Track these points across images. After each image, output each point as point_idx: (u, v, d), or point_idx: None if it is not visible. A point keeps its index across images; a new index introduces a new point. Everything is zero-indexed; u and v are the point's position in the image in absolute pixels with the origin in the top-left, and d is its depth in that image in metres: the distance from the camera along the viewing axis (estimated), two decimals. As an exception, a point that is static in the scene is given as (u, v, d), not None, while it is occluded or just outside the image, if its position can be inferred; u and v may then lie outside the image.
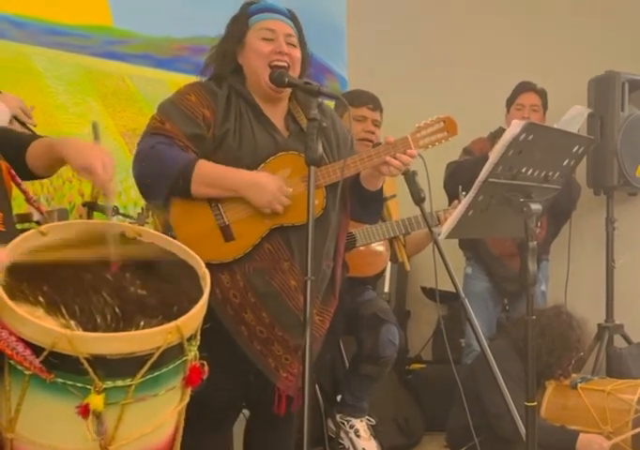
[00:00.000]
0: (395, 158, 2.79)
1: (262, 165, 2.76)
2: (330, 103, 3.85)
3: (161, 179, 2.65)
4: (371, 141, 3.84)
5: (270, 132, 2.83)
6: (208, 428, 2.43)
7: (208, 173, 2.68)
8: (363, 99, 3.95)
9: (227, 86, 2.82)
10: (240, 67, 2.87)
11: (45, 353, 1.71)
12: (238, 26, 2.86)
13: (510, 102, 4.77)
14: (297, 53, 2.85)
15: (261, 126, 2.81)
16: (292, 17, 2.90)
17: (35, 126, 3.18)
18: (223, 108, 2.77)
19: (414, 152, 2.84)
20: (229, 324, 2.70)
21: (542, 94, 4.72)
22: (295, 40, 2.86)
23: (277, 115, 2.88)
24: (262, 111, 2.84)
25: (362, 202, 2.89)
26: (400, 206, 3.83)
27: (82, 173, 2.12)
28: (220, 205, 2.73)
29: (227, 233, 2.71)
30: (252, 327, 2.72)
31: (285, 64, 2.79)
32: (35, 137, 2.31)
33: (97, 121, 2.39)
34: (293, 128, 2.88)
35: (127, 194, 4.03)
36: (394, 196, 3.86)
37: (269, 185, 2.69)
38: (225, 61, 2.87)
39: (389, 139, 2.85)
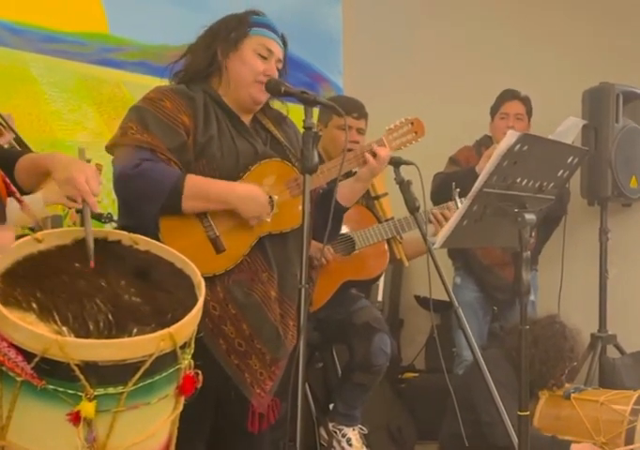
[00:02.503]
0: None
1: (246, 173, 2.73)
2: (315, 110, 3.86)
3: (151, 201, 2.57)
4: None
5: (249, 140, 2.81)
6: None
7: (199, 188, 2.62)
8: (348, 108, 3.92)
9: (202, 91, 2.77)
10: (218, 68, 2.82)
11: (36, 360, 1.70)
12: (238, 30, 2.81)
13: (494, 111, 4.78)
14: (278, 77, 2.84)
15: (239, 133, 2.79)
16: (284, 42, 2.88)
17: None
18: (203, 114, 2.72)
19: (388, 151, 2.96)
20: (207, 338, 2.62)
21: (527, 101, 4.73)
22: (280, 67, 2.85)
23: (247, 122, 2.88)
24: (239, 118, 2.83)
25: (334, 218, 2.79)
26: (395, 206, 3.82)
27: (64, 187, 2.11)
28: (209, 217, 2.68)
29: (218, 245, 2.67)
30: (232, 340, 2.68)
31: None
32: (23, 153, 2.32)
33: (83, 148, 2.39)
34: (263, 136, 2.89)
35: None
36: (386, 194, 3.86)
37: (260, 196, 2.68)
38: (212, 59, 2.81)
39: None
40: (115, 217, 3.50)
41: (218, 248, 2.67)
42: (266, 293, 2.73)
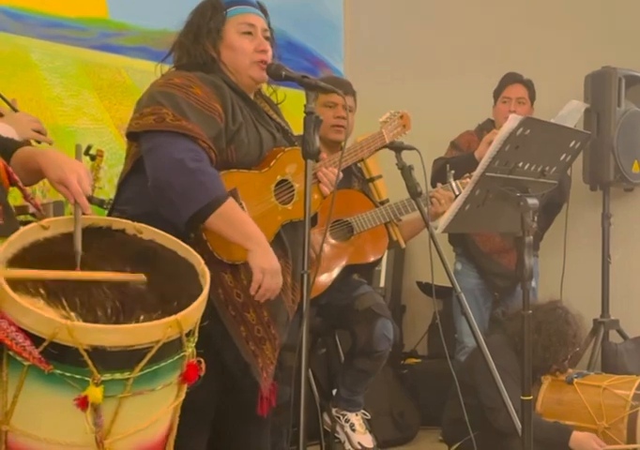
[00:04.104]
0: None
1: (273, 161, 2.73)
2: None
3: (190, 203, 2.49)
4: (342, 126, 3.88)
5: (267, 127, 2.81)
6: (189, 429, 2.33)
7: (235, 212, 2.56)
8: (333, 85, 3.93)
9: (221, 79, 2.74)
10: (217, 62, 2.79)
11: (45, 344, 1.71)
12: (216, 18, 2.77)
13: (496, 94, 4.75)
14: (270, 48, 2.82)
15: (258, 121, 2.79)
16: (262, 9, 2.86)
17: (51, 143, 3.13)
18: (230, 101, 2.69)
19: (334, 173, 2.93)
20: (229, 325, 2.64)
21: (529, 85, 4.70)
22: (268, 34, 2.83)
23: None
24: (257, 106, 2.83)
25: None
26: (395, 191, 3.81)
27: (57, 186, 2.10)
28: (243, 204, 2.66)
29: None
30: (252, 327, 2.68)
31: (268, 60, 2.78)
32: (20, 144, 2.31)
33: (80, 145, 2.37)
34: (272, 123, 2.88)
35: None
36: (380, 176, 3.87)
37: (276, 259, 2.64)
38: (205, 53, 2.77)
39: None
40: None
41: None
42: (283, 280, 2.72)
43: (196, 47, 2.78)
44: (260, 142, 2.74)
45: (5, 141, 2.37)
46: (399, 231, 3.88)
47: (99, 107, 4.31)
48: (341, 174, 2.86)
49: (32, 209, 2.76)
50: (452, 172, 3.73)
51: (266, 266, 2.58)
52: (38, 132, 3.03)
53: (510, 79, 4.73)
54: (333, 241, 3.82)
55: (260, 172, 2.73)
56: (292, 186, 2.79)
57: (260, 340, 2.70)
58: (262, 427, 2.91)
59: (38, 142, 3.07)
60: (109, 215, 2.75)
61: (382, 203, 3.86)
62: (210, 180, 2.52)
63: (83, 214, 2.06)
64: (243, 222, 2.58)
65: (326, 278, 3.77)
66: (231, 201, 2.55)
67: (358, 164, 3.86)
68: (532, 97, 4.71)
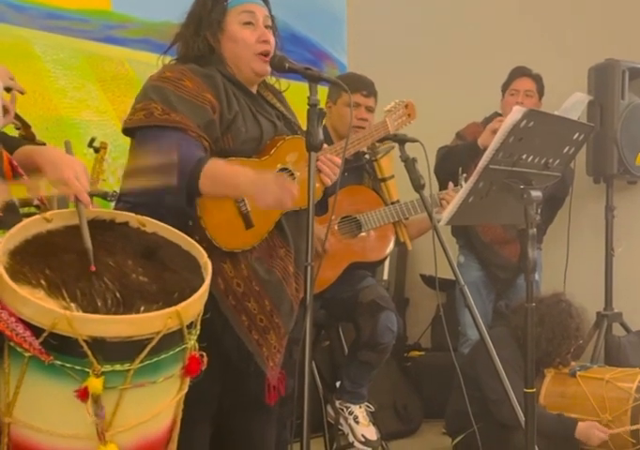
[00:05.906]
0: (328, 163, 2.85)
1: (273, 149, 2.72)
2: (324, 88, 3.86)
3: (179, 177, 2.46)
4: (363, 128, 3.84)
5: (267, 117, 2.80)
6: (191, 421, 2.33)
7: (219, 170, 2.52)
8: (357, 86, 3.93)
9: (216, 70, 2.73)
10: (217, 53, 2.77)
11: (45, 335, 1.71)
12: (217, 10, 2.75)
13: (505, 87, 4.76)
14: (272, 37, 2.80)
15: (257, 110, 2.78)
16: None
17: (23, 92, 3.11)
18: (224, 91, 2.68)
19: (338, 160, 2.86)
20: (230, 315, 2.63)
21: (537, 79, 4.70)
22: (270, 22, 2.82)
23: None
24: (255, 96, 2.82)
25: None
26: (401, 189, 3.82)
27: (58, 186, 2.12)
28: None
29: (248, 221, 2.64)
30: (254, 316, 2.67)
31: (271, 50, 2.76)
32: (21, 142, 2.32)
33: (69, 140, 2.37)
34: (273, 112, 2.87)
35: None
36: (392, 177, 3.87)
37: (272, 181, 2.53)
38: (204, 45, 2.75)
39: None
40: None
41: (247, 224, 2.65)
42: (285, 269, 2.73)
43: (195, 39, 2.77)
44: (259, 130, 2.72)
45: (9, 139, 2.38)
46: (406, 232, 3.88)
47: (102, 99, 4.31)
48: (339, 160, 2.85)
49: (36, 201, 2.77)
50: (464, 175, 3.72)
51: (270, 203, 2.50)
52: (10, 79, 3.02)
53: (519, 72, 4.72)
54: (340, 237, 3.82)
55: (259, 160, 2.71)
56: (292, 174, 2.77)
57: (264, 330, 2.69)
58: (267, 417, 2.90)
59: (8, 91, 3.05)
60: (115, 205, 2.76)
61: (392, 204, 3.86)
62: (183, 155, 2.47)
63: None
64: (232, 174, 2.53)
65: (330, 275, 3.78)
66: (212, 161, 2.50)
67: (372, 162, 3.88)
68: (540, 92, 4.70)
